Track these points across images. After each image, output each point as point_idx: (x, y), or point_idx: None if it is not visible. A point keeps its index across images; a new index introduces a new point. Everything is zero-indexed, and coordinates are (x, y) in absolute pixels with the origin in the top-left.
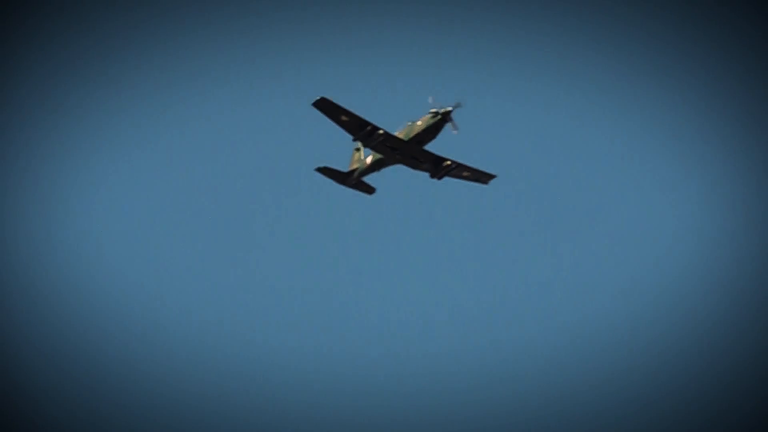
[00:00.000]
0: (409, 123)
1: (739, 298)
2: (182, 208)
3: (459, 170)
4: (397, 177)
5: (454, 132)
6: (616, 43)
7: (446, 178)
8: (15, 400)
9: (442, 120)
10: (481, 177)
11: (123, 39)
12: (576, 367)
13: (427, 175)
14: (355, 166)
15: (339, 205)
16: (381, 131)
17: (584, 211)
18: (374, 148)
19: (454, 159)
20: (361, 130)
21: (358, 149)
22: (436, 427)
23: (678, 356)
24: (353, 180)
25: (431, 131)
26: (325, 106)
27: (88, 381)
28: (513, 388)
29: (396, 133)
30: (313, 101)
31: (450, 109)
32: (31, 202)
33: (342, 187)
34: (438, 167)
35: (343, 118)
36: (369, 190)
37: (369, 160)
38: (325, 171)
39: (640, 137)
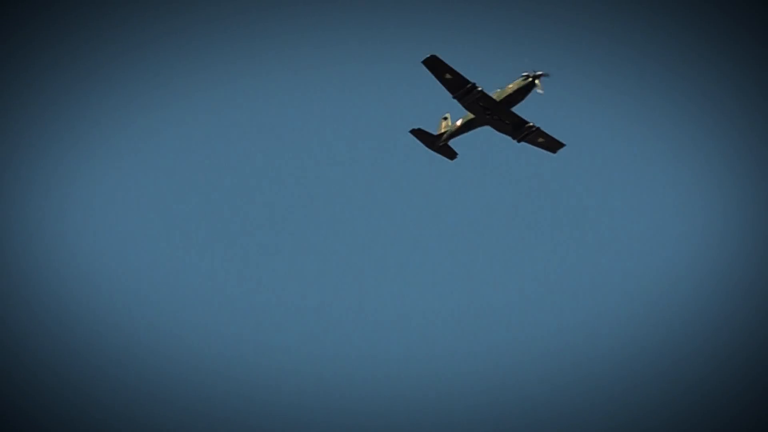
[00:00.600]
0: (499, 89)
1: (740, 299)
2: (181, 207)
3: (536, 135)
4: (394, 183)
5: (540, 92)
6: (618, 42)
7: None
8: (14, 399)
9: (532, 83)
10: (553, 145)
11: (121, 38)
12: (577, 368)
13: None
14: (443, 130)
15: (337, 203)
16: (479, 89)
17: (584, 211)
18: (469, 107)
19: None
20: (461, 87)
21: (445, 118)
22: (439, 428)
23: (678, 356)
24: (441, 142)
25: (521, 93)
26: (434, 63)
27: (87, 381)
28: (513, 389)
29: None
30: (423, 59)
31: (540, 73)
32: (30, 202)
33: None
34: (520, 129)
35: (447, 76)
36: (452, 155)
37: (459, 122)
38: (418, 133)
39: (639, 137)
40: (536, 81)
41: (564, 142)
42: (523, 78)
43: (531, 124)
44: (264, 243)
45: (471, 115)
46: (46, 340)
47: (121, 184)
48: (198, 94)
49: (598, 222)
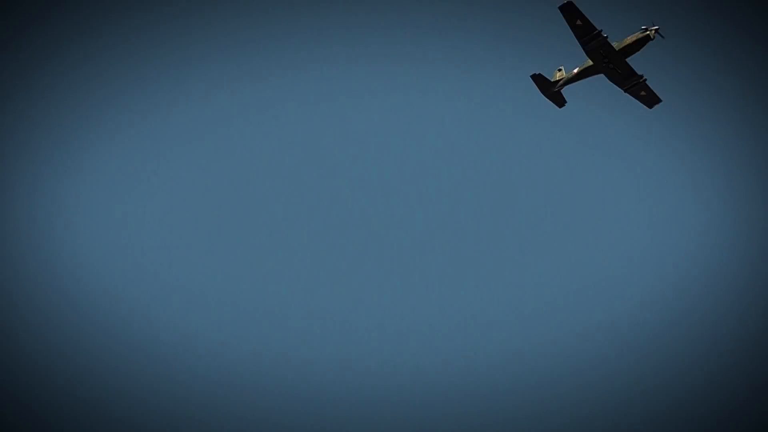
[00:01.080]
0: (617, 42)
1: (740, 299)
2: (180, 206)
3: (641, 87)
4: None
5: (663, 38)
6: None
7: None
8: (13, 400)
9: (648, 37)
10: (652, 99)
11: (122, 38)
12: (578, 369)
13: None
14: (559, 78)
15: (338, 205)
16: (605, 35)
17: (584, 212)
18: (590, 53)
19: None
20: (588, 33)
21: (559, 69)
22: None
23: (677, 356)
24: (557, 88)
25: (639, 44)
26: (569, 9)
27: (87, 381)
28: (514, 390)
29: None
30: (560, 4)
31: (657, 27)
32: (29, 202)
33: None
34: (629, 79)
35: (578, 22)
36: (562, 102)
37: (576, 70)
38: (537, 78)
39: (640, 137)
40: (652, 33)
41: (662, 99)
42: (641, 31)
43: (641, 74)
44: (264, 244)
45: (589, 63)
46: (45, 340)
47: (121, 184)
48: (199, 94)
49: (598, 223)
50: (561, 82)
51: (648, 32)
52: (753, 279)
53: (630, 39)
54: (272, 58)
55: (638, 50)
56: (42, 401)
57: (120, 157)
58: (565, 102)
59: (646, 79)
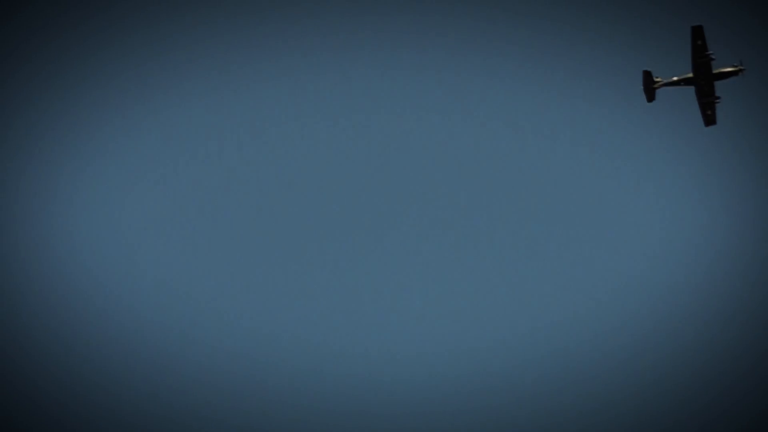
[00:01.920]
0: (720, 68)
1: (741, 299)
2: (178, 206)
3: (711, 105)
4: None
5: (743, 71)
6: (620, 42)
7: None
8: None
9: (738, 72)
10: (711, 119)
11: (122, 39)
12: (577, 369)
13: None
14: (659, 80)
15: (337, 200)
16: (713, 58)
17: (583, 211)
18: (695, 67)
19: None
20: (702, 52)
21: (650, 72)
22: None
23: (677, 356)
24: (658, 86)
25: (729, 75)
26: (698, 31)
27: (85, 381)
28: (514, 390)
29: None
30: (693, 25)
31: (744, 69)
32: (27, 202)
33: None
34: (709, 97)
35: (699, 42)
36: (652, 99)
37: (675, 78)
38: (647, 74)
39: (640, 138)
40: (742, 72)
41: (716, 123)
42: (734, 66)
43: (719, 96)
44: (262, 243)
45: (690, 75)
46: (43, 340)
47: (121, 185)
48: (200, 95)
49: (598, 220)
50: (662, 82)
51: (741, 69)
52: (756, 279)
53: (725, 69)
54: (271, 60)
55: (725, 78)
56: (41, 401)
57: (119, 156)
58: (654, 100)
59: (719, 101)
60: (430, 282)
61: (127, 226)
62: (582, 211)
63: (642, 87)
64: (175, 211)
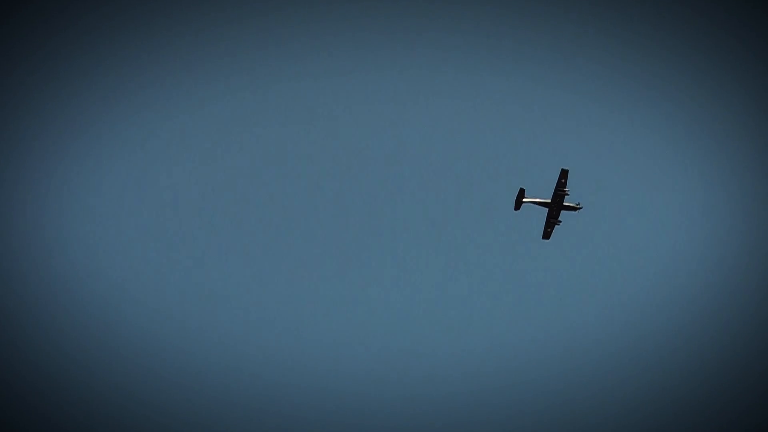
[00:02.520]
0: (568, 202)
1: (740, 299)
2: (178, 207)
3: (551, 226)
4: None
5: (577, 208)
6: (617, 41)
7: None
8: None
9: (576, 208)
10: (546, 234)
11: (122, 40)
12: (577, 369)
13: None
14: (526, 198)
15: (340, 203)
16: (568, 194)
17: (584, 213)
18: (554, 197)
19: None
20: (562, 188)
21: (524, 189)
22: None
23: (676, 357)
24: (524, 201)
25: (571, 208)
26: (565, 173)
27: (85, 381)
28: (514, 390)
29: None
30: (563, 168)
31: (581, 207)
32: (30, 203)
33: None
34: (555, 218)
35: (563, 180)
36: (518, 208)
37: (538, 199)
38: (521, 191)
39: (640, 138)
40: (578, 210)
41: (549, 239)
42: (576, 204)
43: (560, 220)
44: (261, 243)
45: (548, 200)
46: (43, 339)
47: (120, 185)
48: (199, 96)
49: (595, 224)
50: (528, 200)
51: (579, 207)
52: (755, 280)
53: (570, 203)
54: (271, 62)
55: (567, 210)
56: (41, 401)
57: (119, 157)
58: (519, 209)
59: (560, 224)
60: (429, 282)
61: (126, 227)
62: (582, 212)
63: (515, 198)
64: (174, 210)
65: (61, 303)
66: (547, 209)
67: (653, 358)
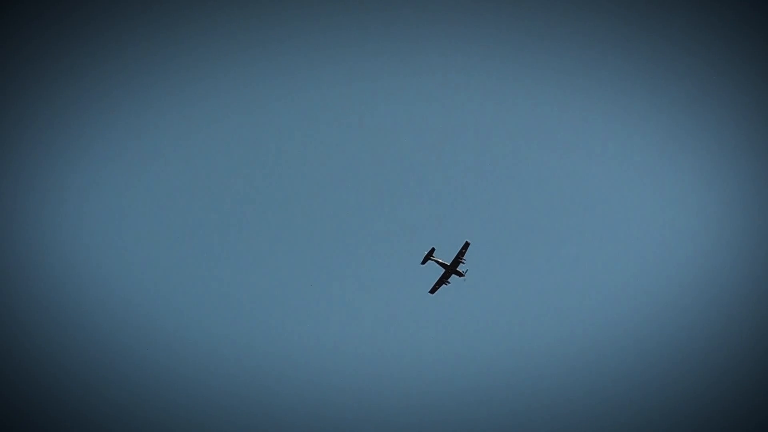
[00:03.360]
0: (463, 267)
1: (740, 299)
2: (177, 208)
3: (440, 285)
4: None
5: (463, 275)
6: (618, 41)
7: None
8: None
9: (462, 275)
10: (435, 290)
11: (122, 41)
12: (576, 369)
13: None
14: (433, 256)
15: (337, 201)
16: (464, 260)
17: (584, 214)
18: (453, 262)
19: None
20: (461, 256)
21: (434, 249)
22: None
23: (675, 357)
24: (431, 258)
25: (459, 274)
26: (466, 245)
27: (85, 381)
28: (514, 390)
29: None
30: (467, 240)
31: (464, 277)
32: (30, 203)
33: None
34: (445, 279)
35: (463, 250)
36: (424, 263)
37: (440, 260)
38: (432, 250)
39: (639, 139)
40: (463, 276)
41: (433, 294)
42: (464, 272)
43: (449, 281)
44: (260, 243)
45: (447, 263)
46: (42, 341)
47: (119, 186)
48: (198, 95)
49: (596, 225)
50: (433, 259)
51: (463, 275)
52: (755, 280)
53: (460, 270)
54: (270, 61)
55: (456, 275)
56: (40, 402)
57: (119, 157)
58: (425, 264)
59: (449, 285)
60: (428, 283)
61: (126, 227)
62: (582, 212)
63: (426, 254)
64: (173, 211)
65: (61, 303)
66: (444, 271)
67: (653, 358)
